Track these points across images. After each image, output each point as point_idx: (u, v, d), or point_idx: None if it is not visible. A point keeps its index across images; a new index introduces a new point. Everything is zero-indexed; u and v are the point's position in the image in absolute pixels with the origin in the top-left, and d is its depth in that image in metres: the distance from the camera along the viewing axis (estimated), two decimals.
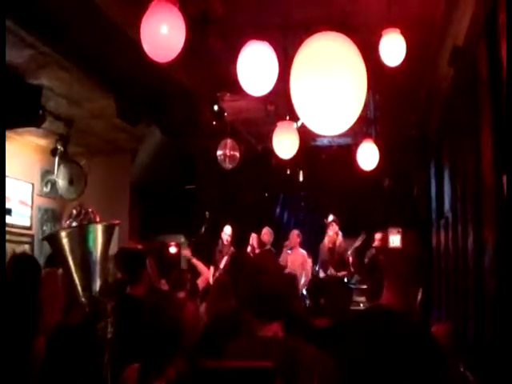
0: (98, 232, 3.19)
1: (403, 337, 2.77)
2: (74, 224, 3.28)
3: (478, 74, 5.21)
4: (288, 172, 10.37)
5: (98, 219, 3.33)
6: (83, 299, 3.15)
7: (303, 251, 10.65)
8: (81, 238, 3.16)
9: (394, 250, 3.32)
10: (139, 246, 8.08)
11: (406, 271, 2.96)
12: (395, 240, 12.76)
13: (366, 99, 3.53)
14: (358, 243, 10.73)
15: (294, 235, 10.64)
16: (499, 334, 4.36)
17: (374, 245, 10.18)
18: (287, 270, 8.73)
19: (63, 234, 3.19)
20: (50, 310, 4.18)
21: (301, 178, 11.38)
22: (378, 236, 10.97)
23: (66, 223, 3.37)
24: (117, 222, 3.57)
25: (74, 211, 3.29)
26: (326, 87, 3.32)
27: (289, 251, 10.54)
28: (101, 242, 3.21)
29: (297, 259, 10.33)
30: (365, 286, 10.18)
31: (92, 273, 3.13)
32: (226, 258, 9.24)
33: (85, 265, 3.12)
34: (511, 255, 4.01)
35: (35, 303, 4.17)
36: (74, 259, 3.11)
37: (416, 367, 2.67)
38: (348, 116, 3.53)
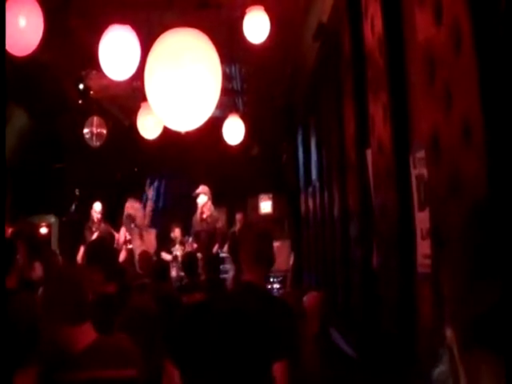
0: None
1: (267, 307, 2.87)
2: None
3: (341, 50, 5.38)
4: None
5: None
6: None
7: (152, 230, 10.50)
8: None
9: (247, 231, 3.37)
10: (9, 230, 7.81)
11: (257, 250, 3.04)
12: (266, 206, 13.18)
13: (232, 71, 3.57)
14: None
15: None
16: (365, 301, 4.61)
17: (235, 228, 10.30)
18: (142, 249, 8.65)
19: None
20: None
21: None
22: (238, 217, 11.20)
23: None
24: None
25: None
26: (178, 81, 3.33)
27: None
28: None
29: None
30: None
31: None
32: (95, 235, 9.10)
33: None
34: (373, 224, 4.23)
35: None
36: None
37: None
38: (201, 111, 3.56)
